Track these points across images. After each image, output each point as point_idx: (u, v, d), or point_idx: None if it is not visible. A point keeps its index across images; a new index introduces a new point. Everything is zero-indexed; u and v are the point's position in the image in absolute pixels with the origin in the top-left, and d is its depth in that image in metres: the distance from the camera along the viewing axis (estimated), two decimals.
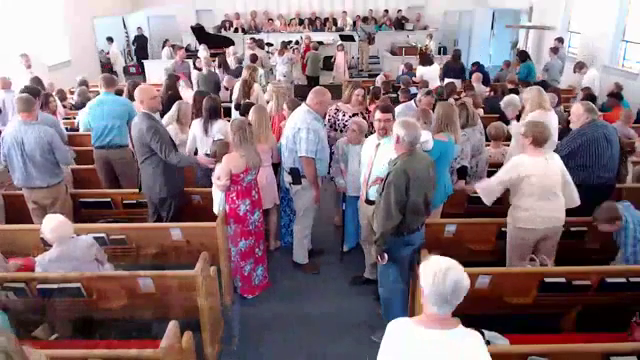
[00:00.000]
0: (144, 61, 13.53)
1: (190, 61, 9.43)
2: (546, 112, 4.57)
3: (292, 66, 10.84)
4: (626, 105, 7.35)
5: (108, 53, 13.77)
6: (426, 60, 9.24)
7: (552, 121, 4.57)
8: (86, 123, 5.04)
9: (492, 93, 7.65)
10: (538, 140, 3.45)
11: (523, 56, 9.61)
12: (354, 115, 4.88)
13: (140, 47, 14.92)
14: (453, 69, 9.19)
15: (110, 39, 13.95)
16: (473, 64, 9.64)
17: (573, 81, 9.09)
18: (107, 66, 13.89)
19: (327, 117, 4.92)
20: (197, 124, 4.79)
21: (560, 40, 10.22)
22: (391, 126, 3.69)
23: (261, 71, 8.20)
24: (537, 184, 3.45)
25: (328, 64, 13.08)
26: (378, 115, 3.82)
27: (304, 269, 4.62)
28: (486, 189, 3.67)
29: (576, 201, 3.66)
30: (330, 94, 4.30)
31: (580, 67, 8.71)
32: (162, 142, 3.99)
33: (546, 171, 3.46)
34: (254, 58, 8.93)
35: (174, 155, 4.05)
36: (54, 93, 7.10)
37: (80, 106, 7.21)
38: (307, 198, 4.33)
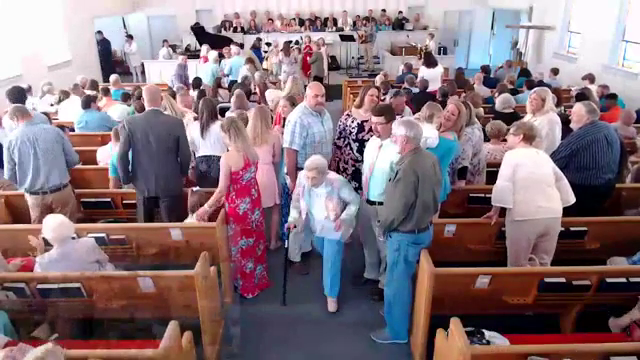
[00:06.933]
0: (144, 61, 13.53)
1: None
2: (551, 114, 4.81)
3: (298, 66, 10.91)
4: (620, 104, 7.33)
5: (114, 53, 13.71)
6: (430, 62, 8.83)
7: (557, 120, 4.85)
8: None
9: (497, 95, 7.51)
10: (527, 137, 3.73)
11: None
12: (363, 122, 4.50)
13: (105, 52, 13.84)
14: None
15: (130, 36, 13.92)
16: (481, 68, 9.62)
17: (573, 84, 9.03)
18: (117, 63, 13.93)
19: (338, 123, 4.72)
20: (195, 126, 4.79)
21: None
22: (385, 129, 3.68)
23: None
24: (529, 173, 3.58)
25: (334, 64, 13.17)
26: (372, 118, 3.81)
27: (293, 268, 4.52)
28: (498, 194, 3.68)
29: (571, 198, 3.68)
30: (321, 88, 4.31)
31: (591, 80, 8.41)
32: (187, 147, 4.29)
33: (536, 160, 3.66)
34: (249, 61, 9.05)
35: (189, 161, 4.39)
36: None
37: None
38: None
